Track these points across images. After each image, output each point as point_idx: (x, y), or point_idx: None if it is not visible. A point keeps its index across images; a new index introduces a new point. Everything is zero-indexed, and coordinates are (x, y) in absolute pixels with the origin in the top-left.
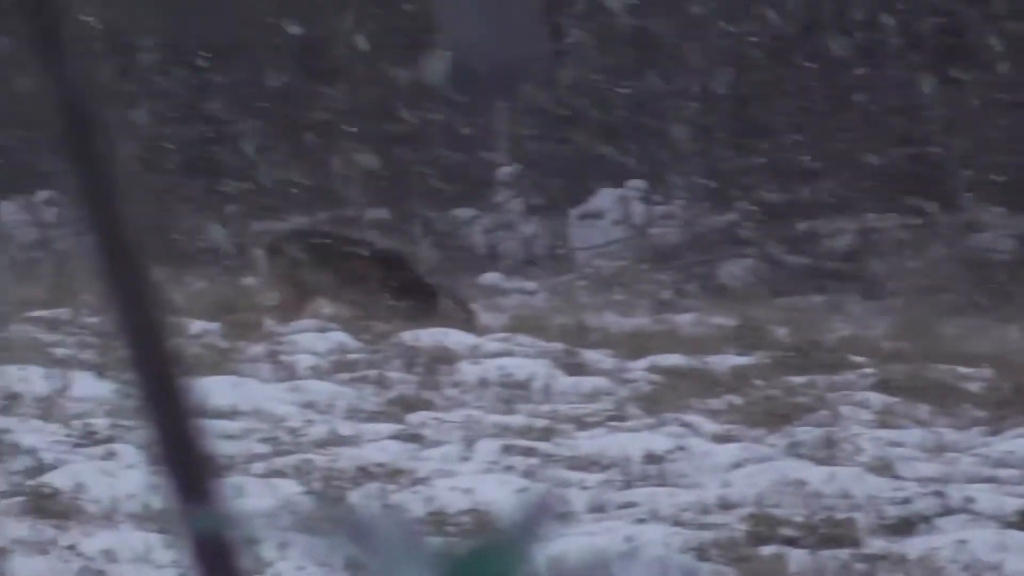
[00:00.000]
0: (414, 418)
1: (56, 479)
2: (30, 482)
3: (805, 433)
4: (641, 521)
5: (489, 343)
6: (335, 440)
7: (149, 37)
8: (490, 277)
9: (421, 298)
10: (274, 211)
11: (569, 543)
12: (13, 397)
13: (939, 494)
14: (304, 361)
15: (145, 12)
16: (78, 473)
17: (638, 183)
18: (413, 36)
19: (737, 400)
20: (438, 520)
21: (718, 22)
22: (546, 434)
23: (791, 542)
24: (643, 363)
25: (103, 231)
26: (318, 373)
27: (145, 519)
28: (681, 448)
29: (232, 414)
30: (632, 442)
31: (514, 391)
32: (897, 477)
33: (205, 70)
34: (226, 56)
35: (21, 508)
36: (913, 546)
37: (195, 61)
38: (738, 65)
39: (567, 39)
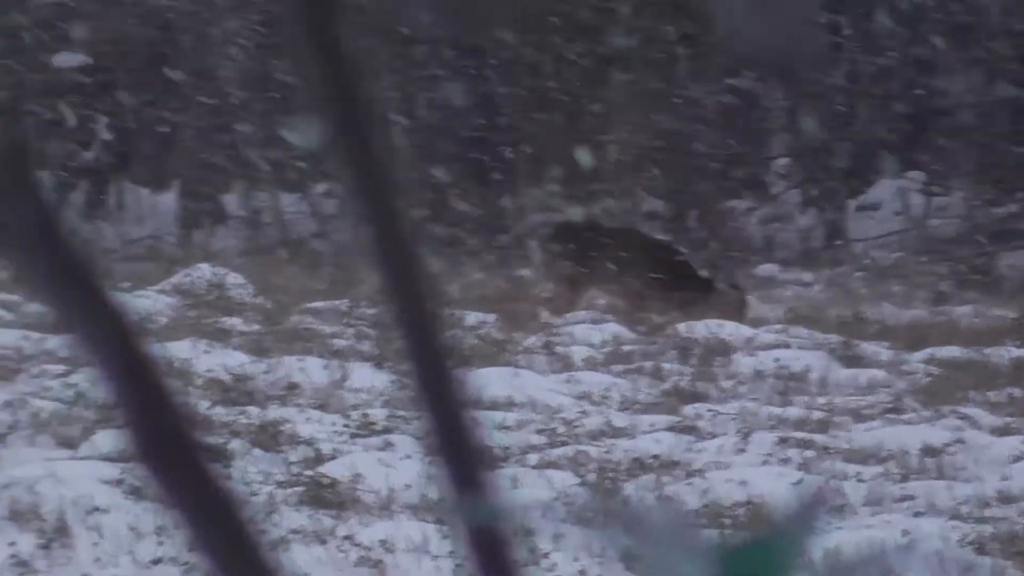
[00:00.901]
0: (689, 410)
1: (334, 469)
2: (308, 472)
3: None
4: (919, 515)
5: (765, 335)
6: (610, 432)
7: (426, 26)
8: (766, 268)
9: (696, 290)
10: (550, 203)
11: (845, 536)
12: (292, 387)
13: None
14: (579, 352)
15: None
16: (355, 463)
17: (917, 174)
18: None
19: (1017, 392)
20: (713, 512)
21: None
22: (822, 426)
23: None
24: (921, 355)
25: (380, 223)
26: (593, 364)
27: (421, 510)
28: (960, 441)
29: (508, 405)
30: (910, 435)
31: (790, 383)
32: None
33: (484, 63)
34: (504, 49)
35: (300, 498)
36: None
37: (472, 52)
38: (1020, 59)
39: (844, 31)
